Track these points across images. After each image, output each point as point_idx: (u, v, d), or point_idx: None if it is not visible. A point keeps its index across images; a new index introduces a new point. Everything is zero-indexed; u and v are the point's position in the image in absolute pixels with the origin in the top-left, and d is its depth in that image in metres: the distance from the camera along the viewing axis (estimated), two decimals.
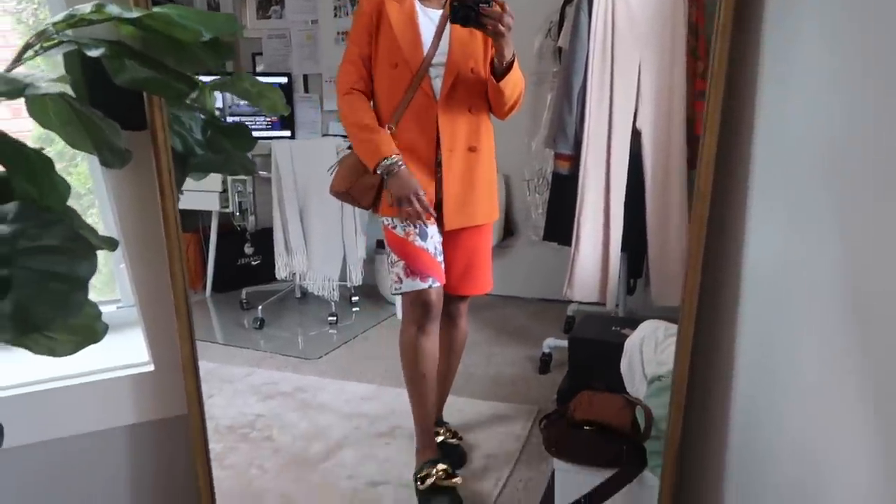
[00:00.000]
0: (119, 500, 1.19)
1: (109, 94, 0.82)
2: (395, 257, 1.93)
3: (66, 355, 0.83)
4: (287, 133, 4.07)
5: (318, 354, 3.04)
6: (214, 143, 1.19)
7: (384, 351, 3.11)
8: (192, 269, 4.08)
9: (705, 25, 2.61)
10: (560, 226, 2.85)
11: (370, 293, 3.76)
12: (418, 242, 1.89)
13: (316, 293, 3.36)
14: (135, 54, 0.75)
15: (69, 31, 0.73)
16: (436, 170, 1.91)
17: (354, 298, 3.71)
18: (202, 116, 1.13)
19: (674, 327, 2.17)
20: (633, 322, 2.31)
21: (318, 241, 3.35)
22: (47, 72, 0.80)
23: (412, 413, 1.99)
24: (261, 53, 4.12)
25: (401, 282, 1.91)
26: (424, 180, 1.88)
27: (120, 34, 0.81)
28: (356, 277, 3.49)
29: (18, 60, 0.76)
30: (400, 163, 1.83)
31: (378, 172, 1.86)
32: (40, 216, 0.64)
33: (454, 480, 1.90)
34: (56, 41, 0.74)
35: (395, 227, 1.92)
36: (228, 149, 1.20)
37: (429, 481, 1.88)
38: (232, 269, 4.02)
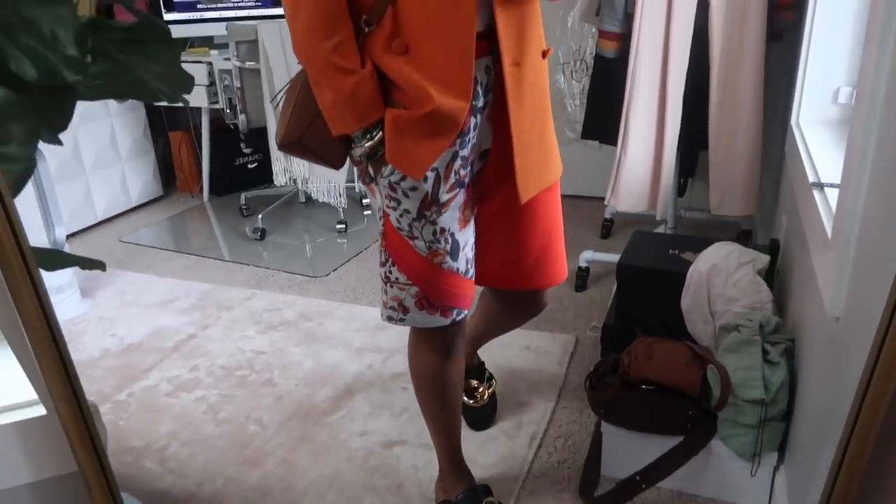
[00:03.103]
0: None
1: None
2: (400, 275, 1.23)
3: None
4: (278, 10, 3.52)
5: (326, 271, 2.71)
6: (113, 56, 0.78)
7: None
8: (187, 171, 3.69)
9: None
10: (603, 121, 2.39)
11: None
12: (448, 265, 1.21)
13: (321, 200, 2.99)
14: None
15: None
16: (478, 89, 1.14)
17: (365, 201, 3.34)
18: (79, 15, 0.70)
19: (749, 253, 1.78)
20: (694, 243, 1.92)
21: None
22: None
23: (435, 445, 1.48)
24: None
25: (405, 312, 1.25)
26: (460, 110, 1.09)
27: None
28: None
29: None
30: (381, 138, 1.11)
31: (356, 151, 1.15)
32: None
33: None
34: None
35: (409, 234, 1.20)
36: (134, 62, 0.79)
37: None
38: (229, 171, 3.63)
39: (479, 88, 1.15)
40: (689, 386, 1.46)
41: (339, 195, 2.98)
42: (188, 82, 0.91)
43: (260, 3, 3.54)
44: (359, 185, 3.10)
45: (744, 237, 2.74)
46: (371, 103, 1.09)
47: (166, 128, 3.68)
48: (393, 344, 2.16)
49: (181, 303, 2.50)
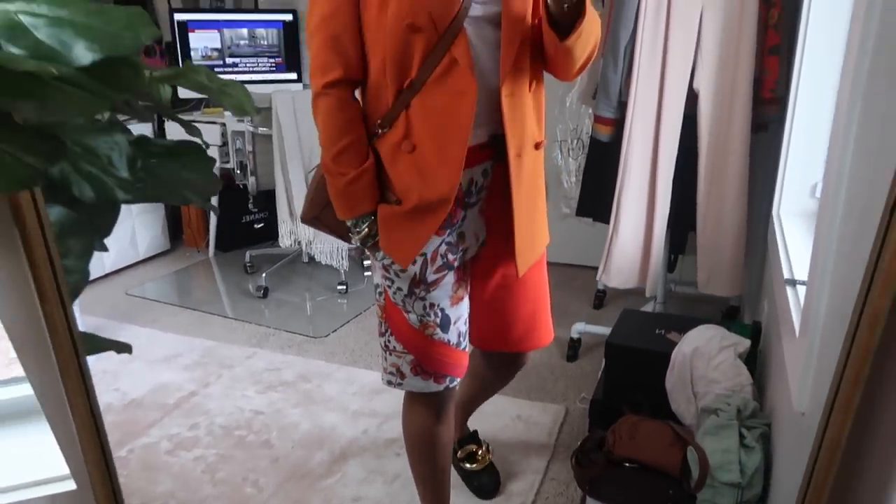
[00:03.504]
0: None
1: None
2: (397, 344, 1.36)
3: None
4: (293, 75, 3.70)
5: (326, 332, 2.79)
6: (155, 169, 0.88)
7: None
8: (195, 227, 3.81)
9: None
10: (597, 200, 2.52)
11: None
12: (438, 336, 1.34)
13: (324, 262, 3.09)
14: None
15: None
16: (472, 189, 1.31)
17: (367, 262, 3.44)
18: (128, 139, 0.81)
19: (731, 337, 1.87)
20: (680, 323, 2.01)
21: None
22: None
23: None
24: None
25: (402, 377, 1.38)
26: (444, 200, 1.24)
27: None
28: None
29: None
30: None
31: (352, 238, 1.33)
32: None
33: None
34: None
35: (403, 308, 1.33)
36: (178, 175, 0.90)
37: None
38: (235, 228, 3.75)
39: (472, 188, 1.30)
40: (671, 466, 1.52)
41: (342, 257, 3.08)
42: (216, 187, 1.02)
43: (274, 68, 3.72)
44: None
45: (731, 313, 2.83)
46: (360, 198, 1.26)
47: None
48: (389, 409, 2.22)
49: (184, 359, 2.57)
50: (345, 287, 3.14)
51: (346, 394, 2.33)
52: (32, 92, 0.50)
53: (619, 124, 2.34)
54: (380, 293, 1.37)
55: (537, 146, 1.34)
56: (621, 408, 1.80)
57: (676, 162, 2.28)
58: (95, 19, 0.57)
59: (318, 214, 1.38)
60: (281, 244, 3.03)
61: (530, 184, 1.34)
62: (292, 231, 2.94)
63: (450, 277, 1.33)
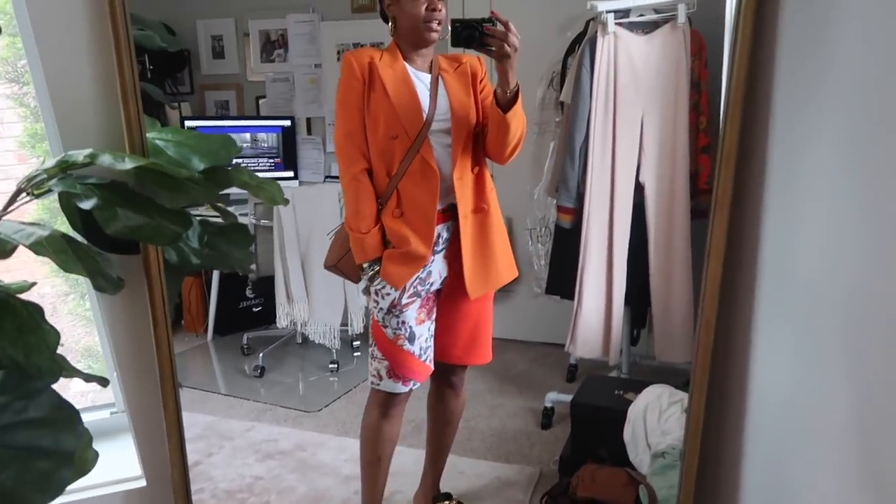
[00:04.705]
0: None
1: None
2: (378, 352, 1.82)
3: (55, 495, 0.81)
4: (290, 173, 4.07)
5: (319, 406, 3.00)
6: (212, 244, 1.18)
7: None
8: (194, 313, 4.06)
9: (708, 80, 2.60)
10: (563, 280, 2.83)
11: None
12: (406, 347, 1.79)
13: (317, 341, 3.34)
14: (127, 197, 0.74)
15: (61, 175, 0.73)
16: (439, 241, 1.79)
17: (356, 343, 3.68)
18: (199, 219, 1.11)
19: (678, 394, 2.14)
20: (636, 385, 2.28)
21: (320, 290, 3.32)
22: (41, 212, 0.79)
23: (362, 496, 1.94)
24: (264, 97, 4.14)
25: (380, 379, 1.82)
26: (424, 255, 1.74)
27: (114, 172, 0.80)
28: (358, 325, 3.47)
29: (12, 202, 0.75)
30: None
31: (363, 274, 1.81)
32: (24, 386, 0.63)
33: None
34: (46, 189, 0.74)
35: (382, 324, 1.81)
36: (226, 249, 1.19)
37: None
38: (233, 312, 4.00)
39: (439, 239, 1.79)
40: (626, 503, 1.75)
41: (334, 337, 3.33)
42: (252, 259, 1.32)
43: (273, 167, 4.10)
44: (351, 329, 3.48)
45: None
46: (373, 249, 1.76)
47: None
48: None
49: (187, 433, 2.74)
50: (336, 366, 3.37)
51: (338, 460, 2.52)
52: (172, 186, 0.80)
53: (578, 213, 2.69)
54: (369, 316, 1.83)
55: (475, 210, 1.81)
56: (587, 461, 2.04)
57: (630, 245, 2.62)
58: (201, 142, 0.89)
59: (337, 263, 1.86)
60: (278, 325, 3.28)
61: (478, 235, 1.82)
62: (288, 313, 3.20)
63: (416, 304, 1.80)
